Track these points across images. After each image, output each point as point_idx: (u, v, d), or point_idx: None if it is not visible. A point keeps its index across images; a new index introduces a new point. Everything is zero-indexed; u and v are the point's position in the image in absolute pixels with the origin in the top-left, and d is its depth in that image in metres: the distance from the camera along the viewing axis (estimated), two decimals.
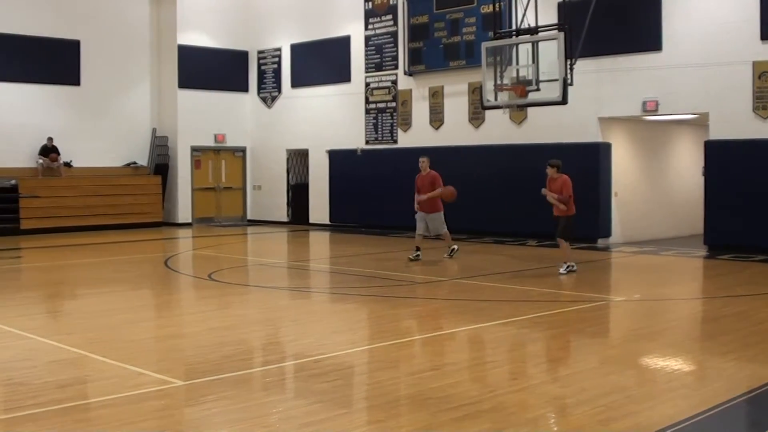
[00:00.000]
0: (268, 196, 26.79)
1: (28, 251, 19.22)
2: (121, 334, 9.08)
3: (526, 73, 16.32)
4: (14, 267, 16.31)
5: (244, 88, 27.06)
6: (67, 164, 24.04)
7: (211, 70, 26.09)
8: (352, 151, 24.00)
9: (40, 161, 23.47)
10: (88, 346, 8.31)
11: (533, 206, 18.23)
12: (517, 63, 16.52)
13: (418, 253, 15.75)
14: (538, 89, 16.17)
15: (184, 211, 25.95)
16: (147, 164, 25.82)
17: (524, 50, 16.37)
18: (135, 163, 25.61)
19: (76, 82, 24.45)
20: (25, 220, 22.73)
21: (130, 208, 24.60)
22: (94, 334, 9.03)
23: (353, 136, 24.09)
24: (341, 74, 24.38)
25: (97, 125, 24.89)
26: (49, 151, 23.63)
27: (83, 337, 8.91)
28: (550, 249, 17.26)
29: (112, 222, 24.05)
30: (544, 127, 19.65)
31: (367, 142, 23.85)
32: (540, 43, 16.14)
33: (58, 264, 16.45)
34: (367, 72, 23.78)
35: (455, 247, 16.23)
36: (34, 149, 23.62)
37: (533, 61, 16.21)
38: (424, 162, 15.99)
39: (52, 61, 23.96)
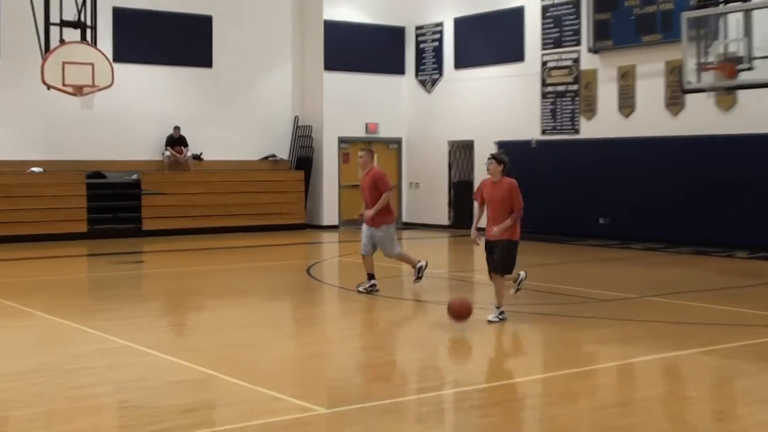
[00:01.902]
0: (427, 196, 26.93)
1: (150, 255, 20.02)
2: (254, 353, 9.32)
3: (736, 48, 15.80)
4: (135, 273, 17.02)
5: (399, 70, 27.32)
6: (197, 157, 24.91)
7: (361, 49, 26.46)
8: (526, 143, 23.82)
9: (166, 153, 24.37)
10: (216, 366, 8.56)
11: (744, 210, 17.60)
12: (726, 37, 16.01)
13: (373, 282, 13.51)
14: (750, 68, 15.61)
15: (329, 212, 26.43)
16: (287, 158, 26.44)
17: (734, 21, 15.85)
18: (274, 156, 26.26)
19: (207, 63, 25.30)
20: (148, 220, 23.63)
21: (267, 207, 25.24)
22: (224, 352, 9.31)
23: (527, 126, 23.90)
24: (513, 52, 24.24)
25: (231, 113, 25.67)
26: (175, 142, 24.50)
27: (211, 354, 9.19)
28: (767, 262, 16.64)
29: (246, 224, 24.71)
30: (759, 114, 18.94)
31: (543, 132, 23.62)
32: (754, 12, 15.58)
33: (185, 270, 17.04)
34: (543, 49, 23.56)
35: (422, 263, 13.87)
36: (159, 140, 24.56)
37: (745, 34, 15.67)
38: (362, 157, 13.97)
39: (180, 40, 24.89)
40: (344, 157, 26.73)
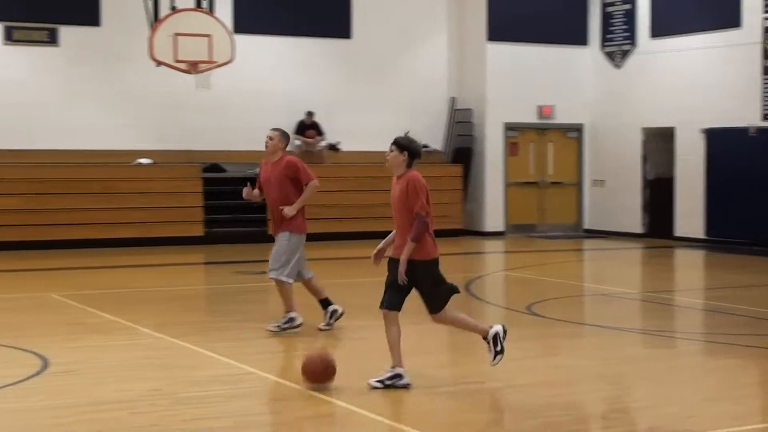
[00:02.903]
0: (614, 196, 26.61)
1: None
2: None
3: None
4: (260, 285, 17.23)
5: (581, 40, 27.09)
6: (333, 147, 25.19)
7: (533, 15, 26.33)
8: (742, 131, 23.32)
9: (296, 143, 24.67)
10: (355, 399, 8.69)
11: None
12: None
13: (335, 308, 12.72)
14: None
15: (493, 216, 26.41)
16: (442, 148, 26.53)
17: None
18: (426, 146, 26.34)
19: (345, 34, 25.60)
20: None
21: None
22: (365, 383, 9.33)
23: (743, 109, 23.38)
24: (726, 16, 23.74)
25: (374, 94, 25.94)
26: (307, 129, 24.82)
27: (349, 385, 9.26)
28: None
29: (391, 228, 24.69)
30: None
31: (765, 118, 23.08)
32: None
33: (319, 284, 17.18)
34: (767, 12, 23.03)
35: (337, 308, 12.73)
36: (287, 127, 24.74)
37: None
38: (272, 138, 12.89)
39: (313, 7, 25.22)
40: (511, 148, 26.66)
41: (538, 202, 27.13)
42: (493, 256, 22.63)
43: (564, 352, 11.41)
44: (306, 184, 12.52)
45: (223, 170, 23.99)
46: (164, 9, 20.15)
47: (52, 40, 23.10)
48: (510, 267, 20.46)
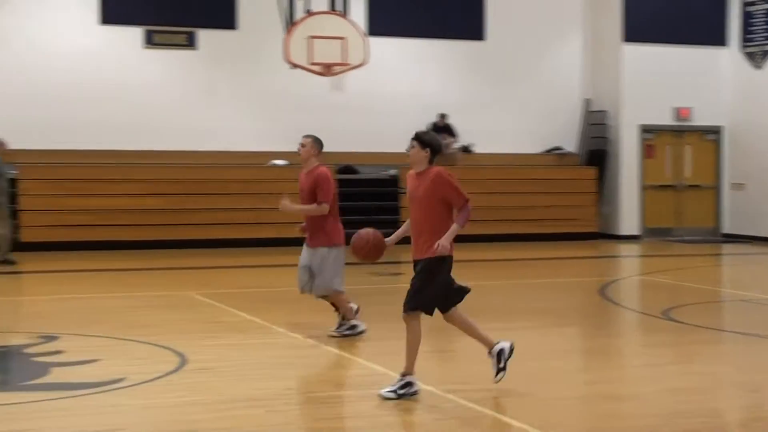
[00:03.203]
0: (755, 200, 26.11)
1: (410, 266, 20.24)
2: (534, 389, 9.34)
3: None
4: (393, 287, 17.16)
5: (719, 40, 26.63)
6: (466, 149, 25.18)
7: (670, 15, 25.97)
8: None
9: None
10: (487, 402, 8.70)
11: None
12: None
13: (354, 323, 12.21)
14: None
15: (628, 219, 26.13)
16: (576, 151, 26.33)
17: None
18: (559, 148, 26.21)
19: (478, 35, 25.55)
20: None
21: (551, 212, 25.20)
22: (497, 386, 9.31)
23: None
24: None
25: (507, 95, 25.85)
26: (440, 130, 24.81)
27: (481, 388, 9.27)
28: None
29: (524, 231, 24.74)
30: None
31: None
32: None
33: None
34: None
35: (356, 323, 12.17)
36: (420, 128, 24.84)
37: None
38: (304, 146, 12.97)
39: (447, 8, 25.22)
40: (647, 150, 26.34)
41: (675, 206, 26.75)
42: (629, 259, 22.38)
43: (701, 358, 11.24)
44: (319, 203, 12.51)
45: (356, 171, 24.15)
46: (299, 12, 20.34)
47: (190, 43, 23.53)
48: (646, 271, 20.21)
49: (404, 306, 9.12)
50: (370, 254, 9.81)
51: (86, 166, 22.58)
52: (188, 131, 23.45)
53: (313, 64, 20.13)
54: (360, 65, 20.68)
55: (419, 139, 9.34)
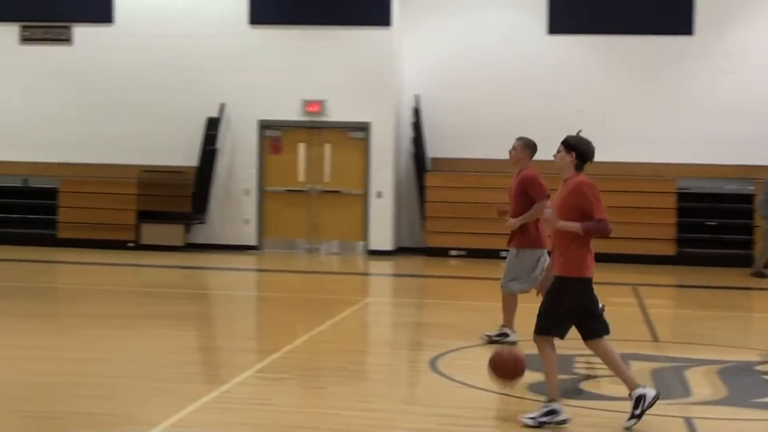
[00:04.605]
0: None
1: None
2: None
3: None
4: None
5: None
6: None
7: None
8: None
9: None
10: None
11: None
12: None
13: (505, 330, 12.68)
14: None
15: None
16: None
17: None
18: None
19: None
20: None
21: None
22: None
23: None
24: None
25: None
26: None
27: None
28: None
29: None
30: None
31: None
32: None
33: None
34: None
35: (508, 332, 12.66)
36: None
37: None
38: (515, 149, 12.68)
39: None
40: None
41: None
42: None
43: None
44: (533, 204, 12.34)
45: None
46: None
47: None
48: None
49: (539, 329, 8.86)
50: (513, 376, 9.26)
51: None
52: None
53: None
54: None
55: (565, 142, 8.96)
